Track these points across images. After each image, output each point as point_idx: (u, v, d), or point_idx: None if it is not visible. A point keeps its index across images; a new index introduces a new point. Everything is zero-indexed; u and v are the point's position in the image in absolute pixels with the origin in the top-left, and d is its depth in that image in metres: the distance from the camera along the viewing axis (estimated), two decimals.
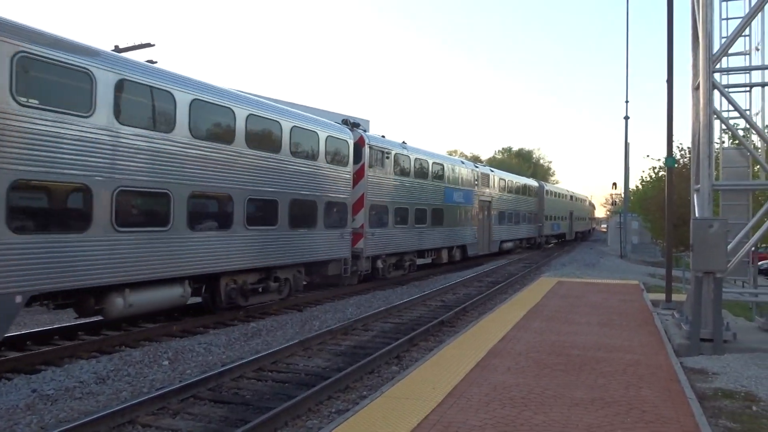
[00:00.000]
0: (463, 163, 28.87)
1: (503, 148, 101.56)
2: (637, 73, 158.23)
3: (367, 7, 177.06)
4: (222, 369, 8.71)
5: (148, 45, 23.63)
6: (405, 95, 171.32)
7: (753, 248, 10.87)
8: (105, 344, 10.75)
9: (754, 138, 12.65)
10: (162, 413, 7.23)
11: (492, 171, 33.00)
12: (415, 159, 22.59)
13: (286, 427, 6.72)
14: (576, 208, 59.65)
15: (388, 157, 20.26)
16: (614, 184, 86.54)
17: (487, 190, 30.87)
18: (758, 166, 12.73)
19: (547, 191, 45.60)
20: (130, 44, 23.88)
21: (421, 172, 23.03)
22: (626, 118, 40.45)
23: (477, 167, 30.27)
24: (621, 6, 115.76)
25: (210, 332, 12.12)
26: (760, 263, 21.57)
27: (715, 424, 6.14)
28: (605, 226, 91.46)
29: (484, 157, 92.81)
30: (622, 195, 44.66)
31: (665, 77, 14.23)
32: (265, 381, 8.70)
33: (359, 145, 18.89)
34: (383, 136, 21.29)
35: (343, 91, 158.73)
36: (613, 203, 70.01)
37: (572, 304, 14.23)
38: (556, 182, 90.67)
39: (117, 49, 22.99)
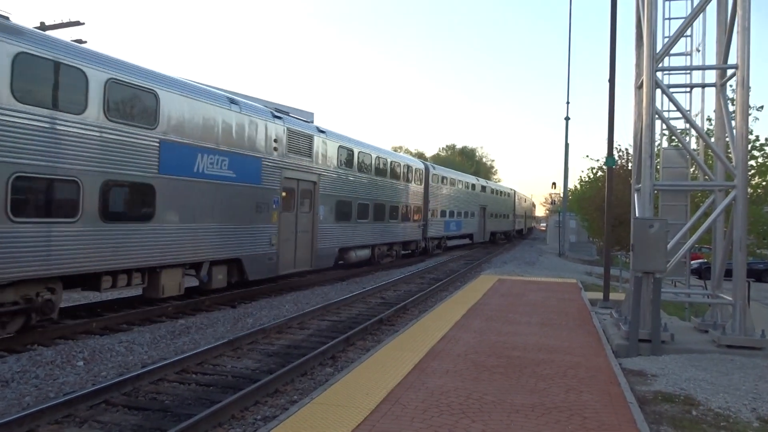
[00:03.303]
0: (234, 103, 14.58)
1: (447, 146, 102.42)
2: (577, 74, 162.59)
3: (314, 7, 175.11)
4: (141, 371, 8.02)
5: (77, 23, 22.34)
6: (354, 93, 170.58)
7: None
8: (14, 342, 9.80)
9: (691, 139, 12.80)
10: (67, 421, 6.52)
11: (322, 133, 19.11)
12: (19, 57, 9.39)
13: None
14: (491, 202, 47.44)
15: None
16: (554, 183, 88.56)
17: (309, 163, 18.01)
18: (694, 167, 12.91)
19: (436, 177, 32.43)
20: (58, 21, 22.55)
21: (63, 95, 10.27)
22: (567, 119, 41.24)
23: (280, 118, 16.65)
24: (563, 8, 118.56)
25: (134, 329, 11.33)
26: (691, 263, 22.18)
27: (657, 430, 5.95)
28: (544, 225, 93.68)
29: (428, 153, 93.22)
30: (562, 194, 45.55)
31: (605, 78, 14.31)
32: (188, 384, 8.05)
33: None
34: None
35: (292, 86, 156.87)
36: (552, 202, 71.66)
37: (512, 303, 14.10)
38: (498, 180, 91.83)
39: (42, 27, 21.58)
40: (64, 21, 22.35)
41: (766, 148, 18.14)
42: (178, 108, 12.73)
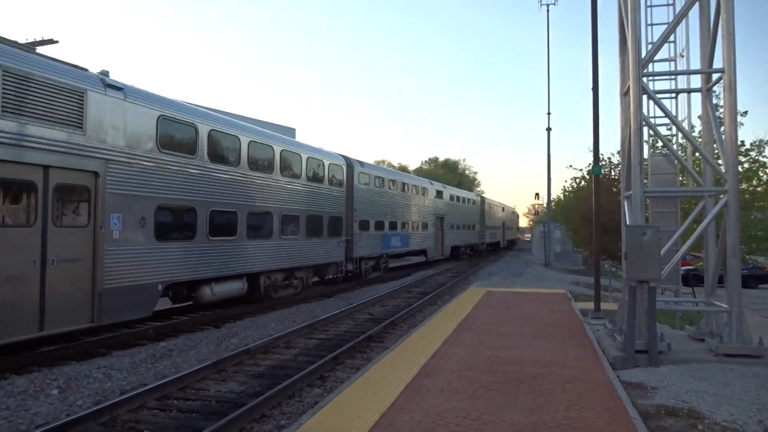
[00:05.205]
0: None
1: (429, 159, 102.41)
2: (558, 84, 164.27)
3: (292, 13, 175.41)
4: (119, 398, 7.61)
5: (51, 41, 21.90)
6: (337, 109, 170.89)
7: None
8: None
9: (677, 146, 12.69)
10: None
11: (114, 90, 11.30)
12: None
13: None
14: (451, 211, 38.76)
15: None
16: (537, 194, 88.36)
17: (78, 137, 10.42)
18: (682, 173, 12.78)
19: (366, 177, 24.46)
20: (32, 39, 22.13)
21: None
22: (548, 129, 41.40)
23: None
24: (544, 18, 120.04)
25: (113, 354, 10.87)
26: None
27: None
28: (529, 235, 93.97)
29: (411, 167, 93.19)
30: (545, 205, 45.62)
31: (584, 87, 14.21)
32: (169, 411, 7.65)
33: None
34: None
35: (273, 102, 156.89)
36: (536, 213, 71.73)
37: (503, 315, 13.83)
38: (482, 192, 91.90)
39: (16, 45, 21.10)
40: (38, 39, 21.92)
41: (751, 153, 18.17)
42: None
